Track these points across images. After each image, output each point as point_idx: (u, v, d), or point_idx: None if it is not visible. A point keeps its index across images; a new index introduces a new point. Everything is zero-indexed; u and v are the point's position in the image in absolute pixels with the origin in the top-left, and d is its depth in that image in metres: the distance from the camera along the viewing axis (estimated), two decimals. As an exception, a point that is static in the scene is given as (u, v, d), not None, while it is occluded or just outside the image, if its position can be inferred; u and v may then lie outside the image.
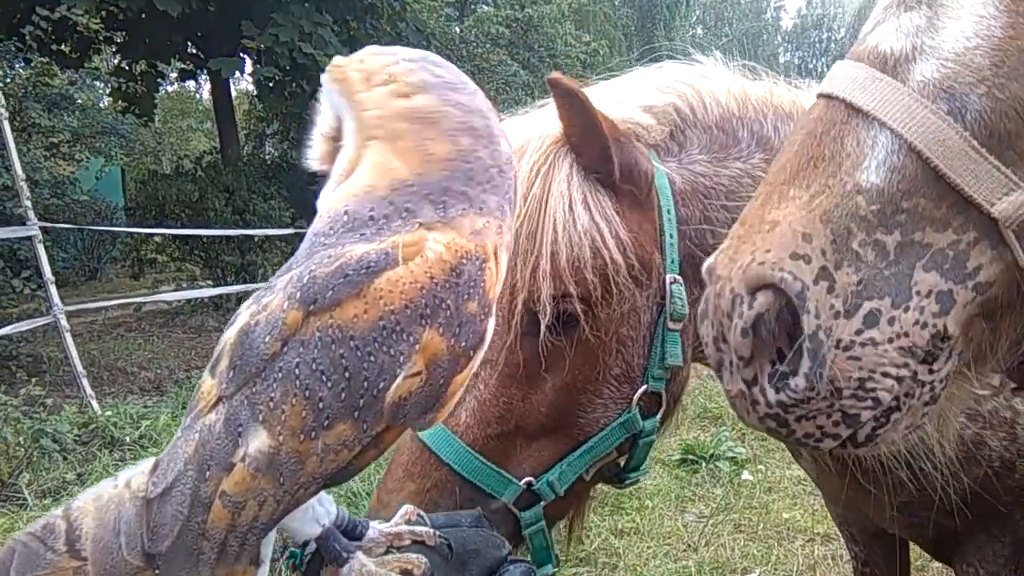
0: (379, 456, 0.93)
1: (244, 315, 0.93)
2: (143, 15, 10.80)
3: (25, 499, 4.80)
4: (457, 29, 17.15)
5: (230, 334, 0.92)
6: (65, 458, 5.39)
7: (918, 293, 0.82)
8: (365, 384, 0.87)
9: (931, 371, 0.84)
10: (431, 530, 1.07)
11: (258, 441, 0.87)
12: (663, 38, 29.46)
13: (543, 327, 1.24)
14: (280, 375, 0.87)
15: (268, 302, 0.91)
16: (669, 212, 1.34)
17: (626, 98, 1.45)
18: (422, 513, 1.11)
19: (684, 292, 1.32)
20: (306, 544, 1.03)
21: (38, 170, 7.99)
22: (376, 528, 1.06)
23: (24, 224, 7.01)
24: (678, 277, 1.32)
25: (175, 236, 11.39)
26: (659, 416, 1.34)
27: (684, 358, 1.33)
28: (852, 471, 1.68)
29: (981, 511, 1.63)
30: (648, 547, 4.02)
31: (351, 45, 11.53)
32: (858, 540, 2.17)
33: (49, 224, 7.78)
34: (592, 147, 1.30)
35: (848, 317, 0.81)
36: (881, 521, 1.84)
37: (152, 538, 0.89)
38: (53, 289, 6.97)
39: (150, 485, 0.90)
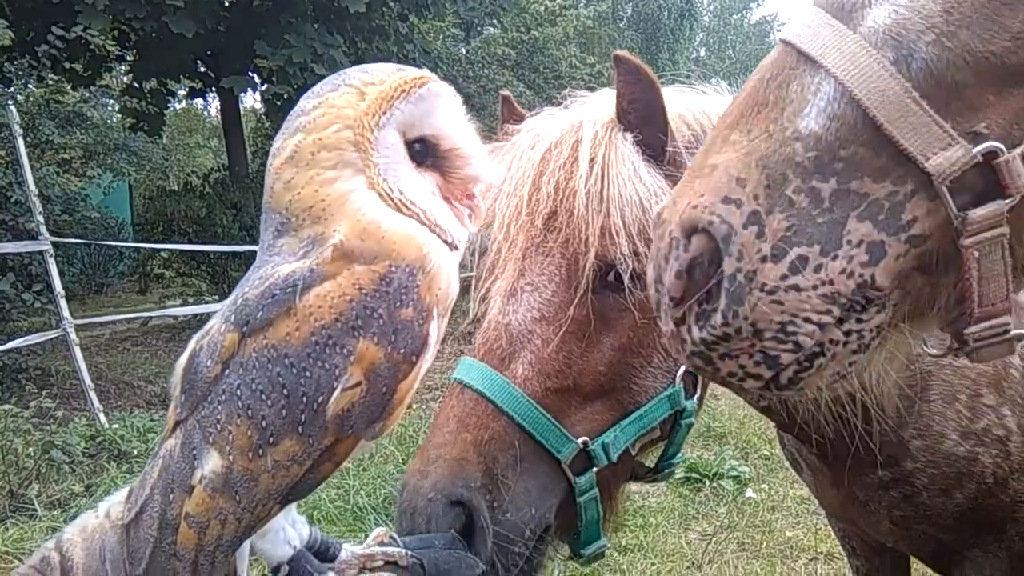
0: (335, 469, 0.94)
1: (193, 342, 0.95)
2: (156, 35, 10.98)
3: (35, 510, 4.83)
4: (464, 50, 17.35)
5: (182, 360, 0.95)
6: (73, 470, 5.43)
7: (849, 242, 0.81)
8: (304, 400, 0.88)
9: (859, 320, 0.83)
10: (404, 551, 1.08)
11: (211, 463, 0.90)
12: (667, 60, 29.71)
13: (626, 279, 1.27)
14: (224, 397, 0.89)
15: (211, 326, 0.94)
16: None
17: (674, 100, 1.52)
18: (395, 535, 1.12)
19: None
20: (278, 569, 1.03)
21: (50, 186, 8.08)
22: (349, 550, 1.07)
23: (36, 239, 7.10)
24: None
25: (182, 252, 11.48)
26: (695, 398, 1.36)
27: None
28: (848, 485, 1.73)
29: (976, 526, 1.66)
30: (652, 564, 4.05)
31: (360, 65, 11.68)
32: (859, 554, 2.20)
33: (60, 239, 7.88)
34: (651, 124, 1.35)
35: (775, 262, 0.81)
36: (878, 534, 1.87)
37: (131, 562, 0.93)
38: (63, 303, 7.04)
39: (126, 511, 0.94)
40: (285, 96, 11.31)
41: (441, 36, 16.18)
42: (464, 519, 1.17)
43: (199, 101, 20.79)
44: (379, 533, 1.12)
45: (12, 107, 7.02)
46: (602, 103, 1.48)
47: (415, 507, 1.18)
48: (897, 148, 0.81)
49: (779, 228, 0.82)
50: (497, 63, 16.79)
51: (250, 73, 12.78)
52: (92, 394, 6.86)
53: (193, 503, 0.90)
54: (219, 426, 0.89)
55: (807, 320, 0.82)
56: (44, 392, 6.59)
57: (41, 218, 7.04)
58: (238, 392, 0.89)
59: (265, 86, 12.80)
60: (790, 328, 0.82)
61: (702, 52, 44.68)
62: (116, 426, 6.27)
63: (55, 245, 7.26)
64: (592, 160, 1.33)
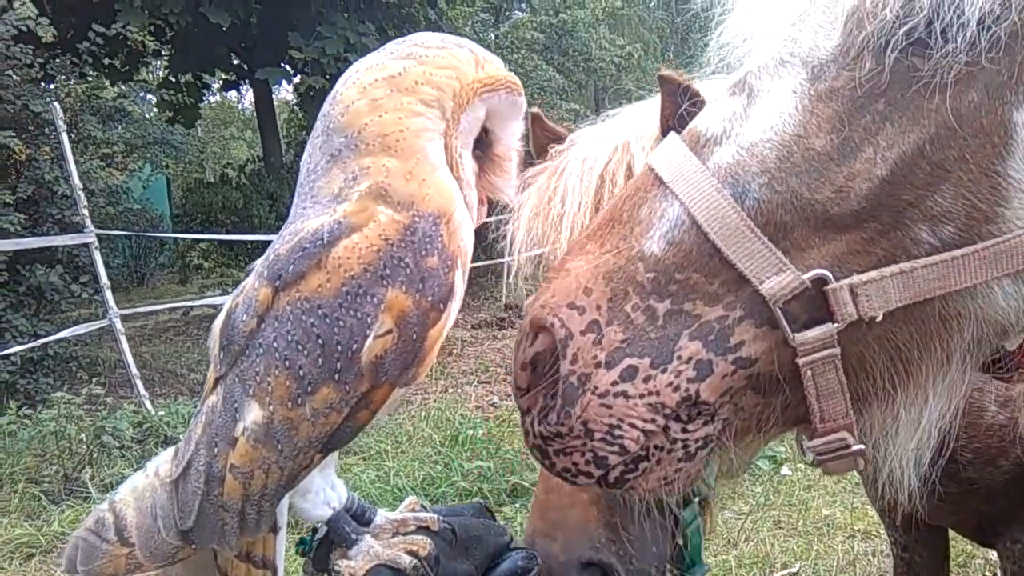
0: (371, 418, 0.97)
1: (229, 300, 0.99)
2: (192, 28, 11.16)
3: (89, 492, 5.02)
4: (492, 35, 17.31)
5: (219, 320, 0.98)
6: (123, 455, 5.61)
7: (679, 358, 0.88)
8: (339, 348, 0.90)
9: (684, 430, 0.90)
10: (435, 516, 1.10)
11: (252, 414, 0.93)
12: (698, 40, 29.25)
13: None
14: (261, 350, 0.92)
15: (245, 284, 0.97)
16: None
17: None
18: (426, 504, 1.15)
19: None
20: (315, 532, 1.07)
21: (94, 180, 8.29)
22: (383, 515, 1.09)
23: (81, 231, 7.32)
24: None
25: (221, 242, 11.70)
26: None
27: None
28: None
29: (1022, 493, 1.70)
30: (688, 542, 4.09)
31: (390, 54, 11.74)
32: (899, 527, 2.22)
33: (105, 231, 8.10)
34: None
35: (608, 368, 0.88)
36: (926, 514, 1.90)
37: (181, 516, 0.97)
38: (108, 294, 7.25)
39: (174, 468, 0.98)
40: (318, 87, 11.43)
41: (470, 22, 16.18)
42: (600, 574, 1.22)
43: (233, 93, 21.10)
44: (411, 501, 1.15)
45: (56, 104, 7.21)
46: (644, 118, 1.52)
47: (551, 570, 1.24)
48: (732, 272, 0.88)
49: (615, 339, 0.89)
50: (526, 47, 16.72)
51: (283, 64, 12.93)
52: (138, 382, 7.07)
53: (237, 454, 0.93)
54: (258, 378, 0.92)
55: (632, 426, 0.88)
56: (94, 380, 6.81)
57: (86, 211, 7.25)
58: (275, 344, 0.91)
59: (299, 77, 12.95)
60: (616, 432, 0.89)
61: (734, 30, 43.85)
62: (162, 413, 6.46)
63: (99, 237, 7.48)
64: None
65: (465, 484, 4.52)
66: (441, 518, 1.11)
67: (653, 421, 0.88)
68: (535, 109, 1.79)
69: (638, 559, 1.22)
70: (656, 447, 0.90)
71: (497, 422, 5.82)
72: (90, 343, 8.64)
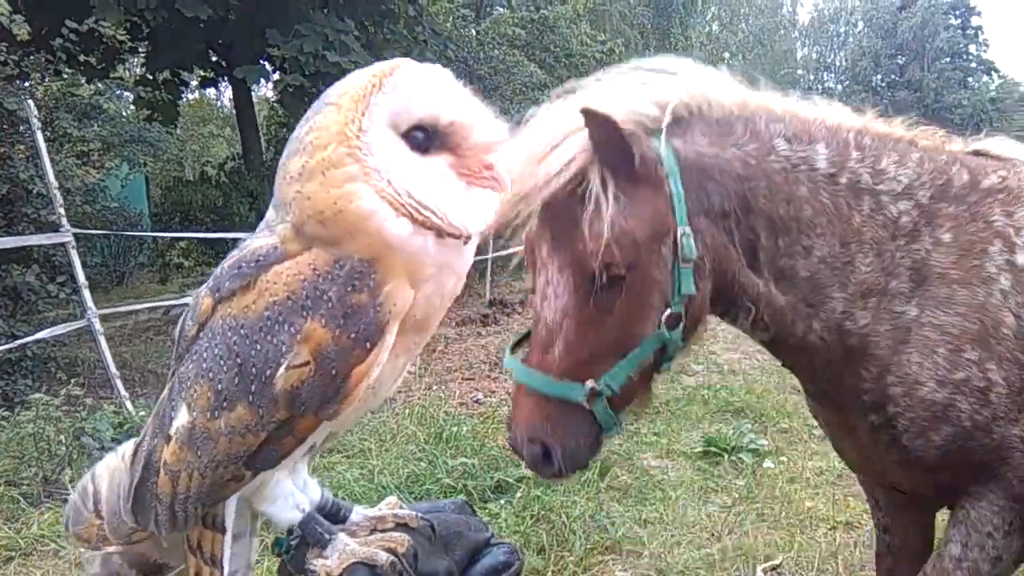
0: (298, 445, 0.96)
1: (192, 299, 1.01)
2: (168, 24, 11.02)
3: (68, 494, 4.94)
4: (474, 31, 17.27)
5: (181, 318, 1.01)
6: (103, 457, 5.54)
7: None
8: (254, 370, 0.90)
9: None
10: (414, 512, 1.10)
11: (180, 417, 0.94)
12: (679, 36, 29.38)
13: (598, 286, 1.67)
14: (195, 357, 0.94)
15: (199, 290, 0.99)
16: (675, 179, 1.70)
17: (641, 93, 1.76)
18: (406, 502, 1.14)
19: (692, 238, 1.70)
20: (290, 532, 1.06)
21: (70, 178, 8.17)
22: (361, 512, 1.09)
23: (58, 231, 7.22)
24: (687, 228, 1.70)
25: (200, 240, 11.59)
26: (680, 329, 1.74)
27: (696, 287, 1.72)
28: (854, 430, 1.94)
29: (966, 467, 1.82)
30: (672, 536, 4.10)
31: (371, 50, 11.68)
32: (882, 507, 2.27)
33: (82, 231, 7.99)
34: (618, 153, 1.66)
35: None
36: (891, 476, 2.02)
37: (127, 497, 1.00)
38: (87, 293, 7.16)
39: (131, 449, 1.02)
40: (298, 84, 11.34)
41: (451, 17, 16.11)
42: (542, 446, 1.70)
43: (211, 91, 20.89)
44: (390, 501, 1.14)
45: (30, 102, 7.10)
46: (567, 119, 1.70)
47: (516, 443, 1.73)
48: None
49: None
50: (507, 43, 16.68)
51: (262, 62, 12.82)
52: (118, 382, 6.99)
53: (169, 451, 0.95)
54: (189, 383, 0.94)
55: None
56: (72, 381, 6.73)
57: (62, 210, 7.14)
58: (204, 354, 0.93)
59: (278, 75, 12.84)
60: None
61: (714, 26, 44.12)
62: (143, 413, 6.39)
63: (76, 237, 7.38)
64: (571, 193, 1.68)
65: (450, 481, 4.51)
66: (420, 514, 1.11)
67: None
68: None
69: (566, 436, 1.71)
70: None
71: (481, 419, 5.81)
72: (69, 344, 8.53)
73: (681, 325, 1.74)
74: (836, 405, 1.96)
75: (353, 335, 0.89)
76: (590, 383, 1.69)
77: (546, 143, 1.68)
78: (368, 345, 0.89)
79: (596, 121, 1.62)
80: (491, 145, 0.97)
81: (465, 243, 0.95)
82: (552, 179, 1.65)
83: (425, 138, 0.93)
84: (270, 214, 0.97)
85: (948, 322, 1.77)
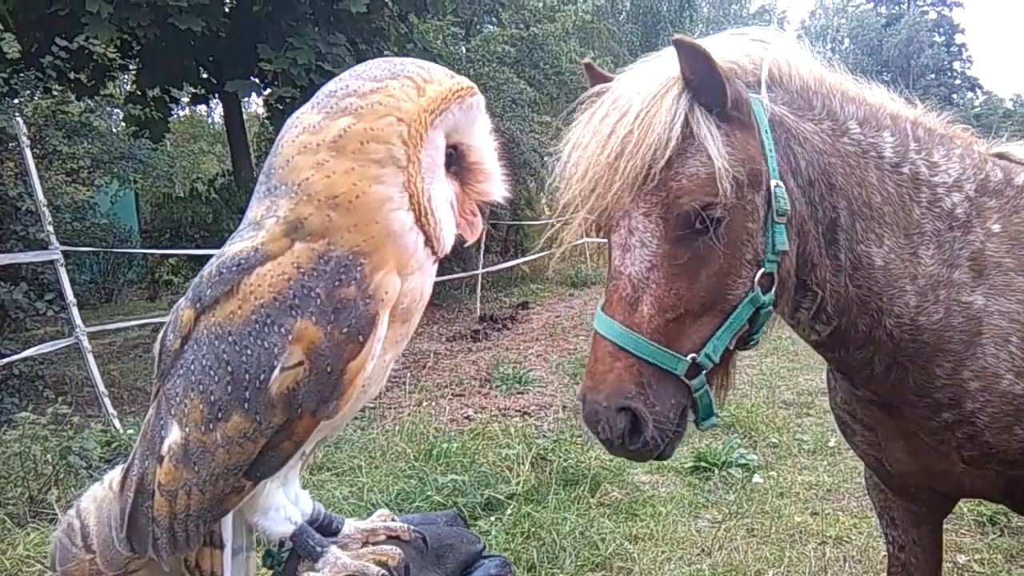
0: (296, 449, 0.94)
1: (171, 314, 0.99)
2: (160, 42, 11.05)
3: (55, 515, 4.91)
4: (464, 49, 17.36)
5: (162, 332, 0.99)
6: (91, 475, 5.50)
7: None
8: (247, 377, 0.88)
9: None
10: (405, 525, 1.10)
11: (173, 434, 0.92)
12: (667, 53, 29.53)
13: (692, 230, 1.57)
14: (182, 371, 0.92)
15: (179, 303, 0.97)
16: (767, 131, 1.66)
17: (732, 46, 1.75)
18: (395, 516, 1.14)
19: (785, 192, 1.64)
20: (282, 545, 1.05)
21: (59, 196, 8.16)
22: (353, 524, 1.08)
23: (46, 248, 7.19)
24: (779, 181, 1.64)
25: (190, 257, 11.56)
26: (772, 291, 1.65)
27: (789, 244, 1.65)
28: (915, 432, 1.86)
29: None
30: (662, 552, 4.10)
31: (361, 67, 11.70)
32: (898, 525, 2.24)
33: (71, 248, 7.96)
34: (710, 88, 1.59)
35: None
36: (950, 479, 1.95)
37: (120, 525, 0.97)
38: (75, 311, 7.12)
39: (119, 477, 1.00)
40: (288, 98, 11.37)
41: (441, 35, 16.19)
42: (632, 416, 1.55)
43: (202, 107, 20.90)
44: (382, 513, 1.14)
45: (19, 119, 7.10)
46: (667, 66, 1.65)
47: (597, 412, 1.56)
48: None
49: None
50: (497, 60, 16.77)
51: (253, 77, 12.85)
52: (106, 400, 6.94)
53: (163, 472, 0.93)
54: (178, 399, 0.92)
55: None
56: (60, 399, 6.67)
57: (51, 228, 7.12)
58: (192, 367, 0.91)
59: (269, 90, 12.86)
60: None
61: (703, 43, 44.41)
62: (131, 431, 6.35)
63: (65, 254, 7.35)
64: (671, 132, 1.58)
65: (440, 498, 4.49)
66: (412, 527, 1.10)
67: None
68: (586, 59, 1.96)
69: (660, 407, 1.56)
70: None
71: (471, 435, 5.80)
72: (56, 361, 8.48)
73: (773, 289, 1.64)
74: (894, 406, 1.86)
75: (345, 329, 0.88)
76: (691, 355, 1.58)
77: (632, 93, 1.61)
78: (361, 338, 0.89)
79: (690, 52, 1.54)
80: (489, 196, 1.04)
81: (434, 262, 0.99)
82: (639, 123, 1.56)
83: (450, 158, 0.99)
84: (253, 212, 0.95)
85: (1014, 309, 1.73)
